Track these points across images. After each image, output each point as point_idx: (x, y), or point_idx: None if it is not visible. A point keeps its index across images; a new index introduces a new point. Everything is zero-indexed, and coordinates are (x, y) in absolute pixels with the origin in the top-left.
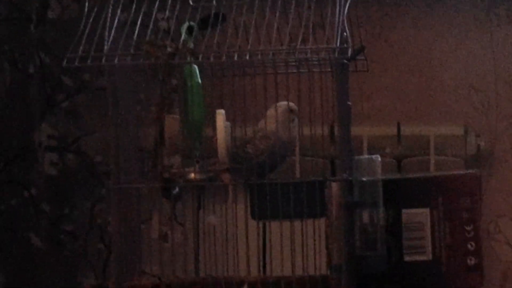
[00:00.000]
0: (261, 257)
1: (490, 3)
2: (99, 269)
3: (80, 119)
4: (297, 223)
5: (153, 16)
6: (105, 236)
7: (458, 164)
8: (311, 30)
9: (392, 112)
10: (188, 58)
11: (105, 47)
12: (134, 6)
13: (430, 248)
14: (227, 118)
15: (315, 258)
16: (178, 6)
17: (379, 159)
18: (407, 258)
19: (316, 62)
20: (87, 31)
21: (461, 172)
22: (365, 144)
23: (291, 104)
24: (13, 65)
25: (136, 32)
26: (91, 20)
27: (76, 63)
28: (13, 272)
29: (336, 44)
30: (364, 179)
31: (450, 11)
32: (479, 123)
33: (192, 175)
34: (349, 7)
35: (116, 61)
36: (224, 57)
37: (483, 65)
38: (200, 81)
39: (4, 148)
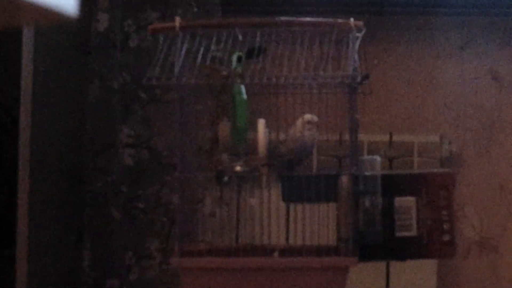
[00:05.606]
0: (287, 230)
1: (465, 42)
2: (163, 237)
3: (151, 124)
4: (315, 206)
5: (211, 48)
6: (168, 212)
7: (435, 164)
8: (330, 61)
9: (386, 124)
10: (237, 80)
11: (175, 70)
12: (197, 39)
13: (415, 227)
14: (266, 126)
15: (328, 232)
16: (230, 41)
17: (379, 159)
18: (397, 234)
19: (333, 86)
20: (161, 58)
21: (440, 170)
22: (365, 148)
23: (313, 116)
24: (102, 82)
25: (199, 59)
26: (164, 49)
27: (154, 82)
28: (98, 237)
29: (349, 72)
30: (367, 173)
31: (431, 48)
32: (451, 134)
33: (238, 168)
34: (359, 45)
35: (183, 81)
36: (264, 80)
37: (456, 89)
38: (246, 97)
39: (93, 144)
